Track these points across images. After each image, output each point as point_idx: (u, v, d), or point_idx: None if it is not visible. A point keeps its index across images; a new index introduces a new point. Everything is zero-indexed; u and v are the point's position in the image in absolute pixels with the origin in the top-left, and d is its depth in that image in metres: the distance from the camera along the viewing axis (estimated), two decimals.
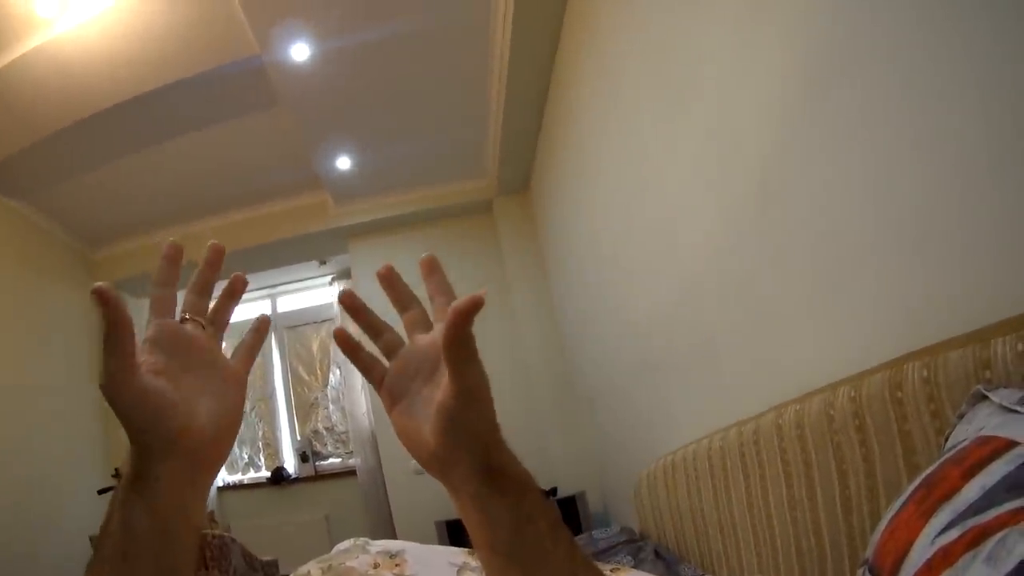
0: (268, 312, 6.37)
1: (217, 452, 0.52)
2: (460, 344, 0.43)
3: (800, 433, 1.25)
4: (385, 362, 0.55)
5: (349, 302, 0.55)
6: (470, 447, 0.46)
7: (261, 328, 0.60)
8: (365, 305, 0.56)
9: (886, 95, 1.07)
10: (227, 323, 0.58)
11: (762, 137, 1.45)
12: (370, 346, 0.57)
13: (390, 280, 0.56)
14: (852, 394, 1.08)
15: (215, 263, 0.57)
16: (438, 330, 0.53)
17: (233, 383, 0.54)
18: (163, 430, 0.47)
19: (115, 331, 0.45)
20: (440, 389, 0.46)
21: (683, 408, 2.30)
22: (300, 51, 3.30)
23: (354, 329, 0.57)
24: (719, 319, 1.85)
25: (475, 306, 0.42)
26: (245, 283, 0.58)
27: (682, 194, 1.93)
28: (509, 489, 0.46)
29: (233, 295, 0.58)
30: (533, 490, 0.48)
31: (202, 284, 0.57)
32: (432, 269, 0.55)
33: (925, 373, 0.92)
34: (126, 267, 5.34)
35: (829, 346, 1.34)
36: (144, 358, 0.49)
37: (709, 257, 1.83)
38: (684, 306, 2.09)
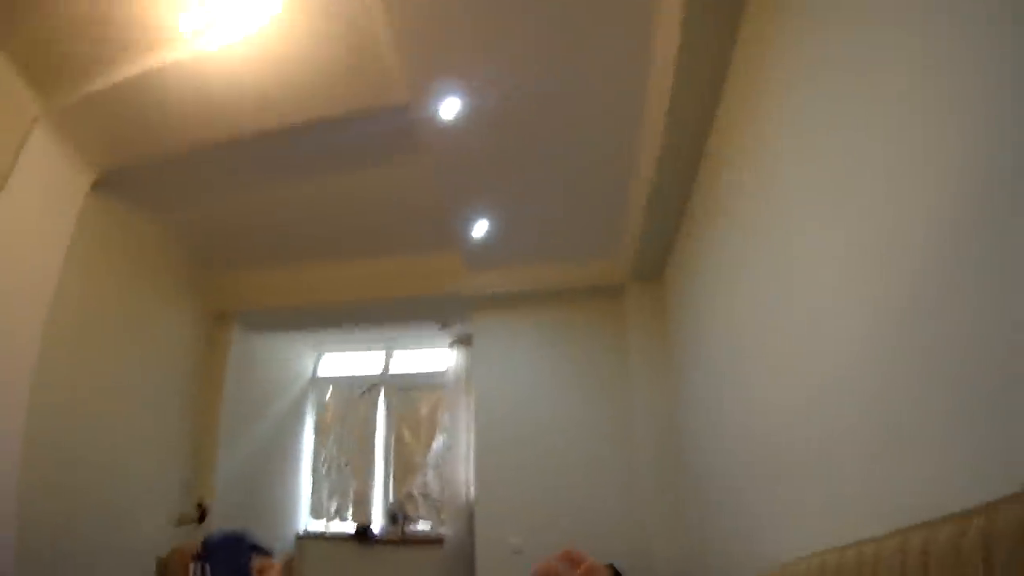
0: (380, 368, 6.51)
1: None
2: None
3: (924, 561, 1.17)
4: None
5: None
6: None
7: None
8: None
9: None
10: None
11: (920, 251, 1.40)
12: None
13: None
14: (984, 526, 1.02)
15: None
16: None
17: None
18: None
19: None
20: None
21: (798, 517, 2.18)
22: (450, 107, 3.19)
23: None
24: (848, 430, 1.77)
25: None
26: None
27: (829, 298, 1.87)
28: None
29: None
30: None
31: None
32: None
33: None
34: (237, 299, 5.29)
35: (964, 471, 1.26)
36: None
37: (848, 365, 1.76)
38: (813, 411, 2.00)
